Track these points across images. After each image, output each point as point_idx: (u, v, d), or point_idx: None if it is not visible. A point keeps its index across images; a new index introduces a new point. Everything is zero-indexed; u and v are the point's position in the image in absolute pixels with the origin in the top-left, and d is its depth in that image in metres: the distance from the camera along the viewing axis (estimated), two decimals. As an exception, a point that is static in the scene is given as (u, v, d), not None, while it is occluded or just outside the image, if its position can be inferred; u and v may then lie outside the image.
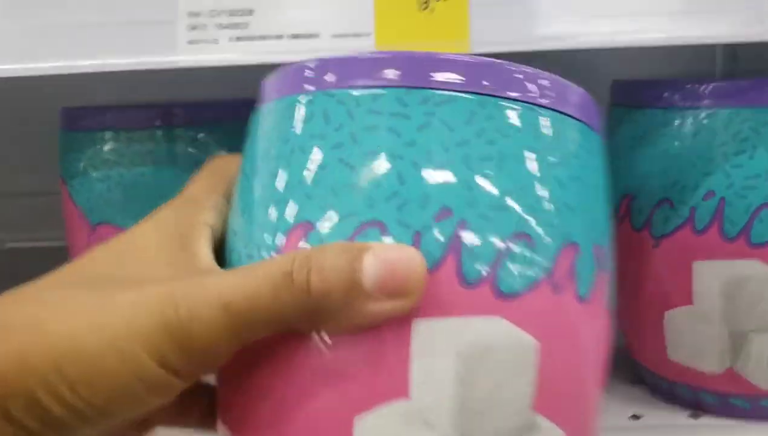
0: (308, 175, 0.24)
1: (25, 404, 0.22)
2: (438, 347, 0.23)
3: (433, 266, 0.23)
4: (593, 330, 0.25)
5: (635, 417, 0.41)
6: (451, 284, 0.23)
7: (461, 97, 0.24)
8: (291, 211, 0.24)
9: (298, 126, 0.25)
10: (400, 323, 0.23)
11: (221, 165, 0.29)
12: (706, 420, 0.40)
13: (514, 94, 0.24)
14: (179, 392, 0.23)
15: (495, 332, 0.23)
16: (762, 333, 0.37)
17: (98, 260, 0.26)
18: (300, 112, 0.25)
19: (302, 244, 0.23)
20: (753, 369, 0.38)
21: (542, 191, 0.24)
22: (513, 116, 0.24)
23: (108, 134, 0.47)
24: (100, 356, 0.22)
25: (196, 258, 0.25)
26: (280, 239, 0.24)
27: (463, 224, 0.23)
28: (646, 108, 0.40)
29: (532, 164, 0.24)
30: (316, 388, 0.23)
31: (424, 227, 0.23)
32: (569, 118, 0.25)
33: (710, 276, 0.37)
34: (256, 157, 0.26)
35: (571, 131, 0.25)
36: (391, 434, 0.22)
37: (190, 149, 0.47)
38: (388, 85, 0.24)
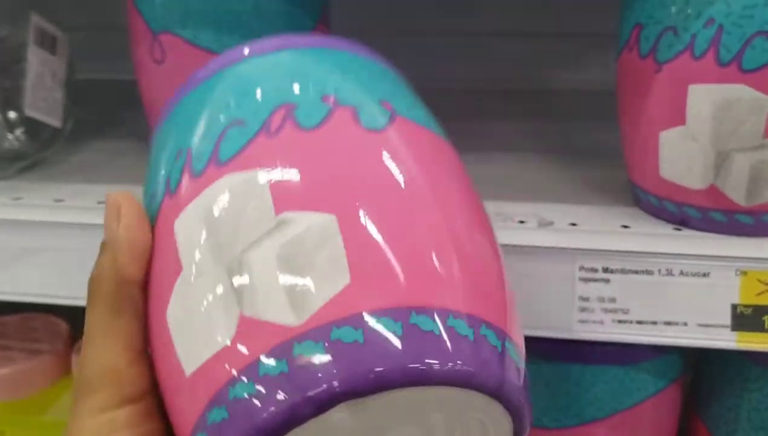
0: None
1: None
2: (191, 219, 0.27)
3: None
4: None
5: (625, 227, 0.46)
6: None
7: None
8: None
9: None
10: (167, 228, 0.28)
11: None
12: (687, 232, 0.45)
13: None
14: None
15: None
16: (742, 152, 0.41)
17: None
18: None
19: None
20: (732, 185, 0.42)
21: None
22: None
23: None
24: None
25: None
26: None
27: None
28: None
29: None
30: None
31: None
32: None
33: (703, 98, 0.41)
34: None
35: None
36: (199, 302, 0.26)
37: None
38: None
